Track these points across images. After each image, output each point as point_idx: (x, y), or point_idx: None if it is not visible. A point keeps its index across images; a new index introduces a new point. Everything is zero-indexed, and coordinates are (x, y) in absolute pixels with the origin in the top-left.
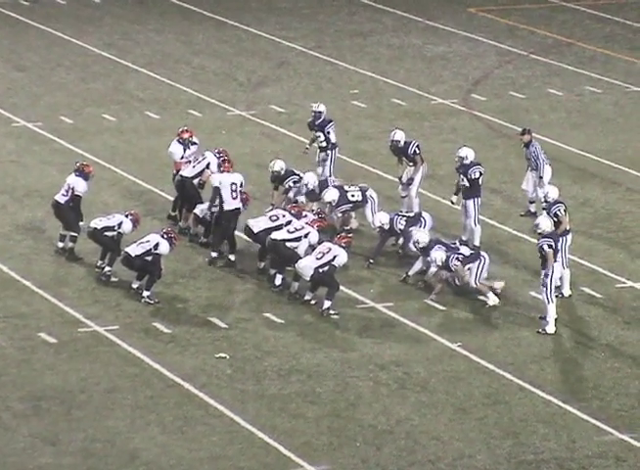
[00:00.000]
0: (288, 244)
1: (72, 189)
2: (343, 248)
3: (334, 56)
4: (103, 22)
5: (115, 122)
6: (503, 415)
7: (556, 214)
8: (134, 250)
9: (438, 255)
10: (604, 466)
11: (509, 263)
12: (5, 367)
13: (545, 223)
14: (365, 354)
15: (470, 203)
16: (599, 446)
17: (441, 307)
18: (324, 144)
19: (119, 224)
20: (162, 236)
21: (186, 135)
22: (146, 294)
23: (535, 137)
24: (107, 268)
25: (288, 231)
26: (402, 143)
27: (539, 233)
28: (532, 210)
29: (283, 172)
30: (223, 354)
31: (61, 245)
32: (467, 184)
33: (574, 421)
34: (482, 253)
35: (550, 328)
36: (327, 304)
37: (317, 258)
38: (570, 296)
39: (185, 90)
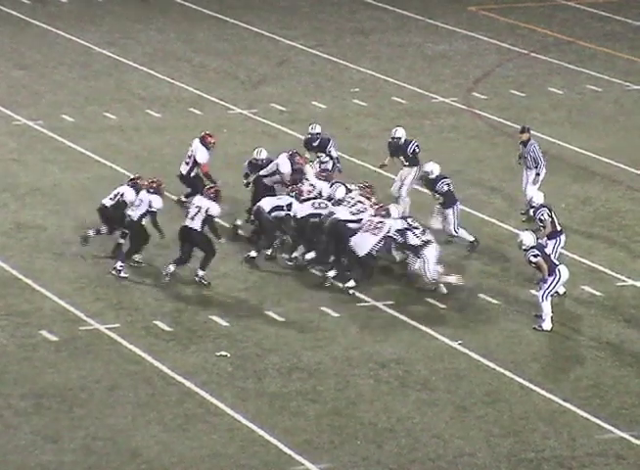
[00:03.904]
0: (350, 225)
1: (149, 204)
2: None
3: (334, 54)
4: (104, 20)
5: (117, 121)
6: (503, 413)
7: (540, 219)
8: (191, 223)
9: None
10: (604, 464)
11: (509, 262)
12: (6, 365)
13: (528, 239)
14: (366, 352)
15: (449, 211)
16: (599, 444)
17: (442, 305)
18: (326, 159)
19: (150, 203)
20: (206, 197)
21: (212, 140)
22: (201, 273)
23: (536, 136)
24: (119, 264)
25: (351, 212)
26: (402, 141)
27: (524, 249)
28: None
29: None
30: (224, 352)
31: (91, 232)
32: (439, 198)
33: (575, 419)
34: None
35: (546, 325)
36: (352, 283)
37: (373, 234)
38: (564, 293)
39: (186, 88)
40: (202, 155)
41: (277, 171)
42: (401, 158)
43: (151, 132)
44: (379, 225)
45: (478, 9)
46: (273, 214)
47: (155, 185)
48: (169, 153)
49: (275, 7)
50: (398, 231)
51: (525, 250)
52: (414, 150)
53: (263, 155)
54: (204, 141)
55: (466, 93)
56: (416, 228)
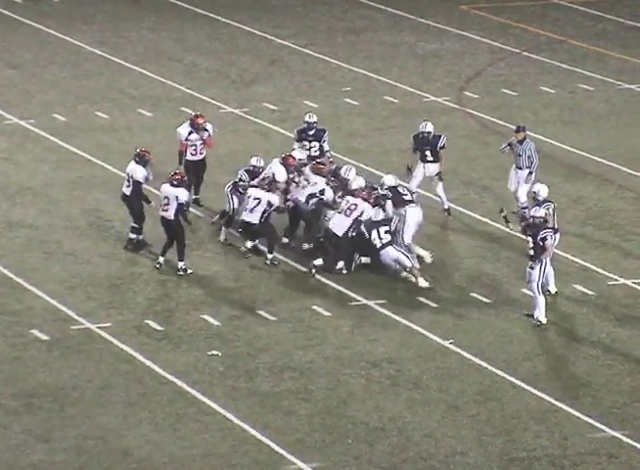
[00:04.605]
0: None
1: (132, 177)
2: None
3: (326, 53)
4: (95, 19)
5: (108, 120)
6: (495, 412)
7: (545, 213)
8: (250, 217)
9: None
10: (596, 463)
11: (501, 261)
12: None
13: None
14: (357, 352)
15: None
16: (591, 443)
17: (434, 304)
18: (317, 153)
19: (176, 197)
20: (262, 189)
21: (200, 121)
22: (270, 257)
23: (527, 135)
24: (181, 264)
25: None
26: (432, 135)
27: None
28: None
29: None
30: (215, 352)
31: (133, 236)
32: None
33: (567, 418)
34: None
35: (542, 318)
36: (319, 261)
37: (347, 215)
38: (556, 292)
39: (178, 88)
40: (182, 131)
41: (274, 180)
42: (427, 152)
43: (142, 131)
44: (352, 207)
45: (469, 8)
46: (311, 202)
47: (178, 177)
48: (161, 152)
49: (267, 6)
50: (368, 219)
51: (539, 221)
52: (444, 144)
53: (262, 163)
54: (192, 122)
55: (458, 92)
56: (385, 224)
